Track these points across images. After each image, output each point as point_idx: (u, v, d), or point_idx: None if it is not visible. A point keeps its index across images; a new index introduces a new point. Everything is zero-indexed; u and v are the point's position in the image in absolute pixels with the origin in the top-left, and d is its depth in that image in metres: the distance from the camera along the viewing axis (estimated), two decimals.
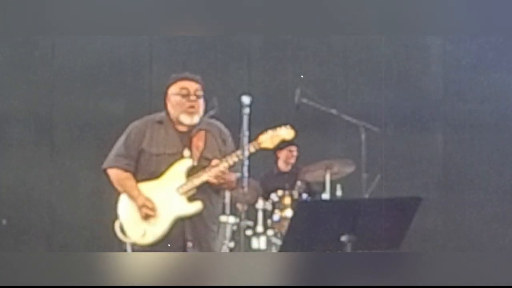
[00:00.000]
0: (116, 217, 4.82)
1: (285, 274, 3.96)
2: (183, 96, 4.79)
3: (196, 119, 4.81)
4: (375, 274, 3.96)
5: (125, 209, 4.81)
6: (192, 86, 4.82)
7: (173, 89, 4.83)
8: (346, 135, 7.85)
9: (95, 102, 8.13)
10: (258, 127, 4.89)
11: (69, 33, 7.40)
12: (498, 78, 8.17)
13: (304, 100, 7.03)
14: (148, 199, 4.73)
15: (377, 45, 8.23)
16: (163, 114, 4.89)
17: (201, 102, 4.84)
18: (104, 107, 8.13)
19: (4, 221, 7.93)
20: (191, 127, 4.83)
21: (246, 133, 4.77)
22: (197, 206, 4.73)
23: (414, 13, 7.03)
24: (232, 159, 4.73)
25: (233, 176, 4.85)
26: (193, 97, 4.79)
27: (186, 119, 4.80)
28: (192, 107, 4.79)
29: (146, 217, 4.72)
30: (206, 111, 5.09)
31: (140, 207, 4.72)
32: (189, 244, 4.69)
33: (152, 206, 4.72)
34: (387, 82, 8.27)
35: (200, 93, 4.84)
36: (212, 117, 5.63)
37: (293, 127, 4.89)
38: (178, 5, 7.03)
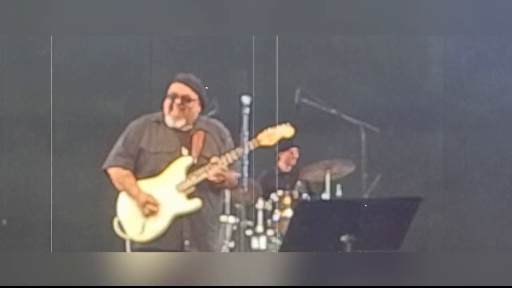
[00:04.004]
0: (115, 214, 4.83)
1: (285, 274, 3.96)
2: (170, 98, 4.81)
3: (180, 123, 4.81)
4: (375, 274, 3.96)
5: (124, 206, 4.82)
6: (182, 90, 4.81)
7: (168, 90, 4.85)
8: (346, 135, 7.84)
9: (95, 102, 8.13)
10: (258, 127, 4.90)
11: (69, 33, 7.39)
12: (498, 78, 8.16)
13: (304, 100, 7.03)
14: (149, 195, 4.75)
15: (377, 45, 8.22)
16: (160, 113, 4.91)
17: (190, 106, 4.81)
18: (104, 107, 8.12)
19: (4, 221, 7.93)
20: (189, 127, 4.84)
21: (246, 133, 4.78)
22: (196, 203, 4.74)
23: (414, 13, 7.03)
24: (232, 156, 4.74)
25: (233, 175, 4.86)
26: (178, 100, 4.79)
27: (169, 122, 4.83)
28: (175, 111, 4.79)
29: (150, 213, 4.72)
30: (206, 111, 5.08)
31: (143, 204, 4.73)
32: (186, 242, 4.70)
33: (155, 202, 4.73)
34: (387, 82, 8.27)
35: (191, 97, 4.82)
36: (212, 117, 5.63)
37: (293, 125, 4.90)
38: (178, 5, 7.03)
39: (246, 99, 4.87)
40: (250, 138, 4.81)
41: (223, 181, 4.78)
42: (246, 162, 4.79)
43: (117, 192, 4.89)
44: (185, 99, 4.80)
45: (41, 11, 6.91)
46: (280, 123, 4.88)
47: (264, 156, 6.73)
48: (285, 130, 4.88)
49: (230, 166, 4.77)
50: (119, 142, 4.90)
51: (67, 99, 8.17)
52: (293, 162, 7.66)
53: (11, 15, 6.88)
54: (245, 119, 4.83)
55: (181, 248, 4.70)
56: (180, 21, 7.04)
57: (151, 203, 4.73)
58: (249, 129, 4.79)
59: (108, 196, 5.01)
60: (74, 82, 8.18)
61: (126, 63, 8.22)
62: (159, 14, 7.05)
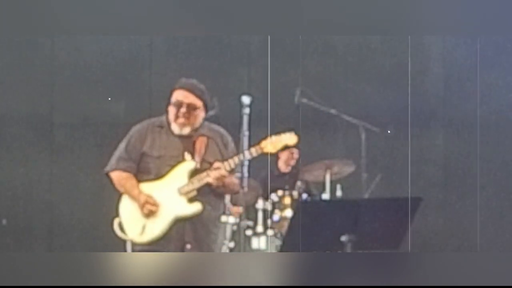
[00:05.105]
0: (116, 215, 4.84)
1: (285, 274, 3.96)
2: (176, 106, 4.81)
3: (186, 130, 4.82)
4: (375, 274, 3.96)
5: (126, 208, 4.83)
6: (187, 97, 4.80)
7: (172, 97, 4.85)
8: (346, 135, 7.85)
9: (95, 102, 8.13)
10: (258, 127, 4.90)
11: (69, 33, 7.40)
12: (498, 78, 8.16)
13: (304, 100, 7.02)
14: (149, 196, 4.75)
15: (377, 45, 8.22)
16: (163, 118, 4.91)
17: (196, 113, 4.82)
18: (104, 107, 8.12)
19: (4, 221, 7.93)
20: (192, 132, 4.84)
21: (246, 133, 4.79)
22: (196, 207, 4.74)
23: (414, 13, 7.03)
24: (234, 161, 4.73)
25: (235, 181, 4.86)
26: (183, 109, 4.78)
27: (175, 129, 4.83)
28: (181, 119, 4.79)
29: (150, 213, 4.73)
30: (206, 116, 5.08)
31: (143, 205, 4.74)
32: (188, 246, 4.70)
33: (154, 202, 4.74)
34: (387, 82, 8.27)
35: (197, 105, 4.81)
36: (212, 117, 5.63)
37: (296, 133, 4.90)
38: (178, 5, 7.03)
39: (246, 99, 4.87)
40: (250, 139, 4.81)
41: (222, 186, 4.78)
42: (246, 162, 4.79)
43: (118, 193, 4.90)
44: (191, 107, 4.79)
45: (42, 11, 6.91)
46: (284, 131, 4.87)
47: (264, 156, 6.72)
48: (289, 138, 4.87)
49: (231, 171, 4.77)
50: (122, 146, 4.91)
51: (67, 99, 8.17)
52: (293, 162, 7.66)
53: (11, 15, 6.88)
54: (245, 119, 4.83)
55: (182, 251, 4.70)
56: (180, 21, 7.04)
57: (150, 203, 4.74)
58: (249, 129, 4.80)
59: (108, 196, 5.02)
60: (74, 82, 8.18)
61: (126, 63, 8.22)
62: (159, 14, 7.05)
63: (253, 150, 4.76)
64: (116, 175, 4.89)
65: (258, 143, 4.79)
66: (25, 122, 8.12)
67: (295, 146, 7.14)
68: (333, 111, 7.15)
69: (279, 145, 4.83)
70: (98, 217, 7.12)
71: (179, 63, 7.92)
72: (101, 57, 8.17)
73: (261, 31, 7.55)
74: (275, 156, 7.64)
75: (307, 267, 3.97)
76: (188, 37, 8.05)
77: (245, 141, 4.81)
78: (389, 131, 7.17)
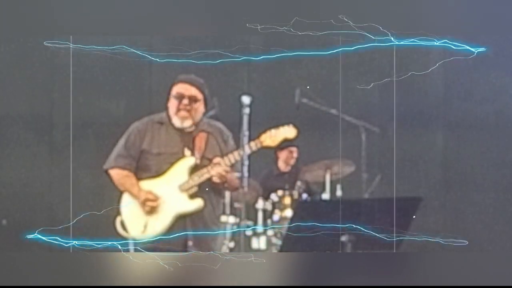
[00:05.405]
0: (117, 213, 4.83)
1: (285, 274, 3.97)
2: (177, 99, 4.82)
3: (187, 123, 4.82)
4: (375, 274, 3.96)
5: (127, 205, 4.83)
6: (188, 90, 4.82)
7: (172, 91, 4.86)
8: (346, 135, 7.84)
9: (95, 102, 8.13)
10: (258, 127, 4.89)
11: (69, 33, 7.39)
12: (498, 78, 8.16)
13: (304, 100, 7.02)
14: (149, 192, 4.75)
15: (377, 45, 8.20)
16: (163, 114, 4.91)
17: (196, 106, 4.83)
18: (104, 107, 8.12)
19: (4, 221, 7.93)
20: (192, 128, 4.85)
21: (246, 133, 4.79)
22: (198, 203, 4.75)
23: (414, 13, 7.03)
24: (234, 157, 4.74)
25: (235, 177, 4.86)
26: (185, 101, 4.80)
27: (177, 122, 4.84)
28: (183, 111, 4.80)
29: (151, 210, 4.73)
30: (206, 111, 5.09)
31: (143, 202, 4.74)
32: (190, 243, 4.71)
33: (154, 197, 4.74)
34: (387, 82, 8.25)
35: (198, 97, 4.83)
36: (212, 117, 5.64)
37: (295, 126, 4.89)
38: (178, 5, 7.03)
39: (246, 99, 4.87)
40: (250, 138, 4.81)
41: (224, 182, 4.79)
42: (246, 162, 4.79)
43: (119, 192, 4.90)
44: (192, 99, 4.81)
45: (42, 12, 6.91)
46: (283, 124, 4.87)
47: (264, 156, 6.73)
48: (288, 131, 4.87)
49: (232, 167, 4.78)
50: (121, 143, 4.91)
51: (67, 99, 8.16)
52: (292, 162, 7.66)
53: (12, 16, 6.88)
54: (245, 119, 4.83)
55: (184, 249, 4.71)
56: (180, 21, 7.04)
57: (151, 200, 4.75)
58: (249, 129, 4.80)
59: (108, 196, 5.01)
60: (74, 82, 8.17)
61: (126, 63, 8.21)
62: (159, 14, 7.05)
63: (252, 144, 4.76)
64: (115, 173, 4.90)
65: (258, 137, 4.78)
66: (25, 122, 8.12)
67: (295, 140, 7.18)
68: (333, 111, 7.15)
69: (279, 139, 4.83)
70: (98, 217, 7.11)
71: (179, 63, 7.91)
72: (101, 57, 8.16)
73: (261, 31, 7.54)
74: (275, 155, 7.64)
75: (307, 267, 3.97)
76: (188, 37, 8.04)
77: (245, 141, 4.80)
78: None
